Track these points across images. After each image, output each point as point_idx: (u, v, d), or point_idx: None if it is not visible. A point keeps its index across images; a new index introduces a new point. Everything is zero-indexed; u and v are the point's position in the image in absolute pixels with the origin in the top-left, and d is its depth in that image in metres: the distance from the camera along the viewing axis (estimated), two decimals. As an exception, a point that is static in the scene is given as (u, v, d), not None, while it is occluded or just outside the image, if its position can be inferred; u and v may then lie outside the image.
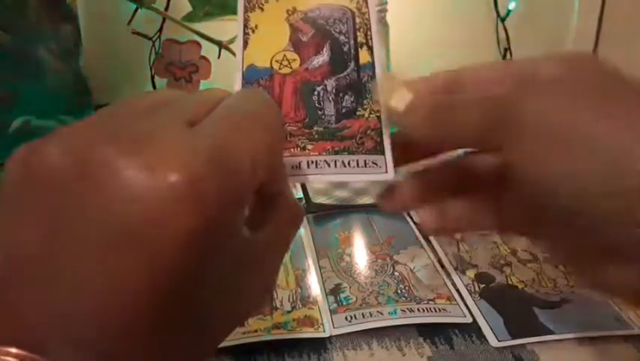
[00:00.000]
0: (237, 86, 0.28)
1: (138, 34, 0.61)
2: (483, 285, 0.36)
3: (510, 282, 0.36)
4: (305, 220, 0.45)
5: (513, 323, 0.33)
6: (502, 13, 0.77)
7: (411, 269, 0.38)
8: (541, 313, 0.33)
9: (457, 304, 0.34)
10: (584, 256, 0.22)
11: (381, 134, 0.26)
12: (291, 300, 0.35)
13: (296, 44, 0.28)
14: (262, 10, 0.29)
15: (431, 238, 0.42)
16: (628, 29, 0.75)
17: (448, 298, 0.35)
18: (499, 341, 0.31)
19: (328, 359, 0.31)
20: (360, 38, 0.29)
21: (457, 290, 0.36)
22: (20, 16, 0.47)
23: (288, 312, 0.34)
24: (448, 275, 0.37)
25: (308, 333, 0.32)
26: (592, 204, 0.20)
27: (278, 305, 0.34)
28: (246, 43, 0.29)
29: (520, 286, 0.36)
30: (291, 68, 0.28)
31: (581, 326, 0.32)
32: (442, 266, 0.38)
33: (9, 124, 0.43)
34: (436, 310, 0.34)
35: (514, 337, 0.32)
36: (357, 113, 0.27)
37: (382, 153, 0.26)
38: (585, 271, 0.23)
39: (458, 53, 0.81)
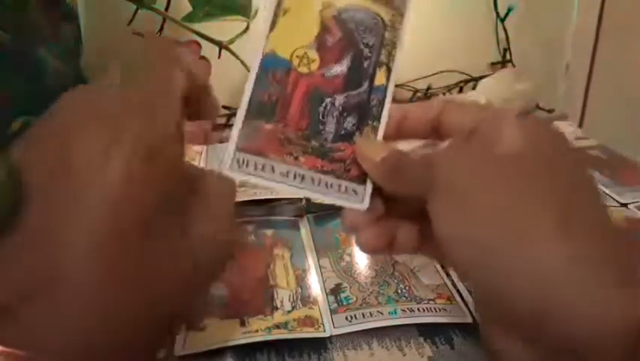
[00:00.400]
0: (254, 69, 0.28)
1: (138, 34, 0.61)
2: (483, 285, 0.36)
3: (510, 281, 0.36)
4: (305, 220, 0.45)
5: (513, 323, 0.33)
6: (502, 13, 0.77)
7: (411, 269, 0.38)
8: (541, 312, 0.33)
9: (457, 303, 0.34)
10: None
11: None
12: (291, 300, 0.35)
13: (321, 45, 0.28)
14: None
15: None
16: (627, 28, 0.75)
17: (448, 297, 0.35)
18: (498, 340, 0.31)
19: (328, 358, 0.31)
20: (383, 57, 0.29)
21: (457, 290, 0.36)
22: (20, 16, 0.47)
23: (289, 312, 0.34)
24: (448, 275, 0.37)
25: (308, 333, 0.32)
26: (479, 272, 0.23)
27: (278, 305, 0.34)
28: (273, 25, 0.28)
29: (519, 285, 0.36)
30: (309, 68, 0.28)
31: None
32: (442, 266, 0.39)
33: (9, 124, 0.43)
34: (436, 310, 0.34)
35: (513, 336, 0.32)
36: (354, 138, 0.28)
37: (364, 183, 0.28)
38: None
39: (458, 53, 0.81)
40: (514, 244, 0.21)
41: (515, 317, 0.21)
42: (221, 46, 0.57)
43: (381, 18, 0.29)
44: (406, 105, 0.30)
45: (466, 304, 0.34)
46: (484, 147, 0.24)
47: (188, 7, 0.55)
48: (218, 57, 0.58)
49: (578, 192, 0.22)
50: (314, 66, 0.28)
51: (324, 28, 0.28)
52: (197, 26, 0.56)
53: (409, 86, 0.78)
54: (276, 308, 0.34)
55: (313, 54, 0.28)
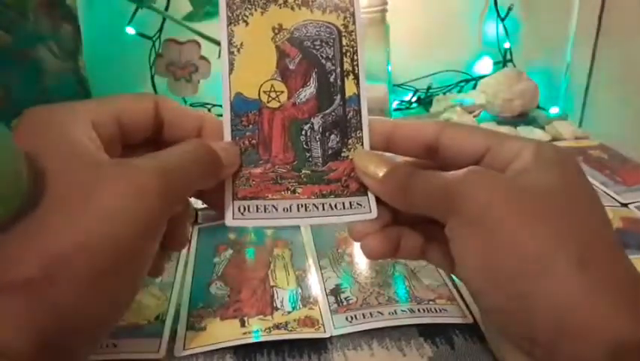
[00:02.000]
0: (226, 118, 0.28)
1: (138, 34, 0.61)
2: (483, 285, 0.36)
3: (510, 282, 0.36)
4: (305, 220, 0.45)
5: (513, 323, 0.33)
6: (502, 13, 0.77)
7: (411, 269, 0.38)
8: (541, 312, 0.33)
9: (458, 304, 0.34)
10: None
11: None
12: (291, 300, 0.35)
13: (283, 72, 0.28)
14: (247, 24, 0.28)
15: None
16: (627, 28, 0.75)
17: (448, 298, 0.35)
18: (499, 340, 0.31)
19: (329, 359, 0.31)
20: (347, 65, 0.29)
21: (458, 290, 0.36)
22: (20, 16, 0.47)
23: (289, 312, 0.34)
24: (448, 275, 0.37)
25: (308, 333, 0.32)
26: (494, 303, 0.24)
27: (278, 305, 0.34)
28: (232, 66, 0.28)
29: (520, 285, 0.36)
30: (279, 101, 0.28)
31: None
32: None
33: (8, 124, 0.43)
34: (436, 311, 0.34)
35: (514, 337, 0.32)
36: (342, 154, 0.29)
37: (365, 194, 0.28)
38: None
39: (458, 53, 0.81)
40: (539, 275, 0.22)
41: (531, 338, 0.23)
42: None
43: (334, 25, 0.29)
44: (398, 120, 0.30)
45: (466, 305, 0.34)
46: (512, 179, 0.25)
47: (188, 7, 0.55)
48: (218, 57, 0.57)
49: (598, 228, 0.23)
50: (283, 97, 0.28)
51: (282, 54, 0.28)
52: (197, 26, 0.56)
53: (409, 86, 0.78)
54: (276, 308, 0.34)
55: (279, 85, 0.28)
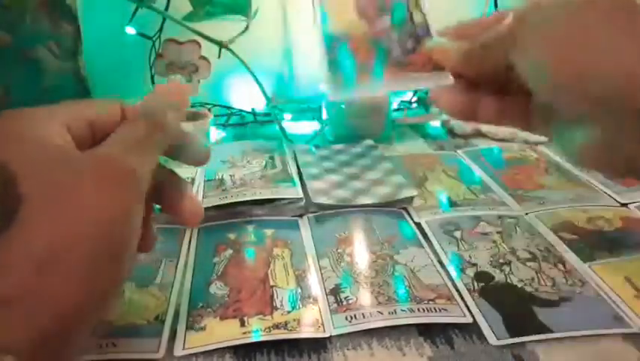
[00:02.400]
0: (321, 48, 0.36)
1: (138, 34, 0.61)
2: (482, 284, 0.36)
3: (509, 281, 0.36)
4: (305, 220, 0.45)
5: (512, 322, 0.33)
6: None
7: (411, 269, 0.38)
8: (541, 311, 0.33)
9: (457, 304, 0.34)
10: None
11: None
12: (291, 300, 0.35)
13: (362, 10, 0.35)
14: None
15: (431, 238, 0.42)
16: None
17: (448, 298, 0.35)
18: (498, 339, 0.31)
19: (328, 358, 0.31)
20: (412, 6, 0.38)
21: (457, 290, 0.36)
22: (20, 16, 0.47)
23: (288, 312, 0.34)
24: (448, 275, 0.37)
25: (308, 333, 0.32)
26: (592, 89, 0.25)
27: (278, 305, 0.34)
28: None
29: (519, 285, 0.36)
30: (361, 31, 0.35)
31: (579, 324, 0.32)
32: (442, 266, 0.39)
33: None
34: (436, 310, 0.34)
35: (513, 336, 0.32)
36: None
37: (442, 69, 0.33)
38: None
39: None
40: (607, 39, 0.25)
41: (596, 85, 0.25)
42: (221, 46, 0.57)
43: None
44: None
45: (466, 304, 0.34)
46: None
47: (188, 7, 0.55)
48: (218, 57, 0.58)
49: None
50: (364, 28, 0.36)
51: None
52: (197, 26, 0.56)
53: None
54: (276, 308, 0.34)
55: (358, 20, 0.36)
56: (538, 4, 0.28)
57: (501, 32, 0.28)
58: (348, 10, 0.36)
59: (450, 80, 0.33)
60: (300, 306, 0.34)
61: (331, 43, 0.36)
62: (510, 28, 0.28)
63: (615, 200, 0.48)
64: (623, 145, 0.26)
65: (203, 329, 0.32)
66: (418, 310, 0.34)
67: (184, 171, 0.51)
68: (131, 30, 0.60)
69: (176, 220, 0.31)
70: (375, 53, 0.35)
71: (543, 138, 0.63)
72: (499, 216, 0.45)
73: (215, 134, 0.67)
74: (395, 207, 0.47)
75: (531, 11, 0.28)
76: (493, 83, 0.31)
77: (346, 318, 0.33)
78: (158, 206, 0.32)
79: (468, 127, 0.66)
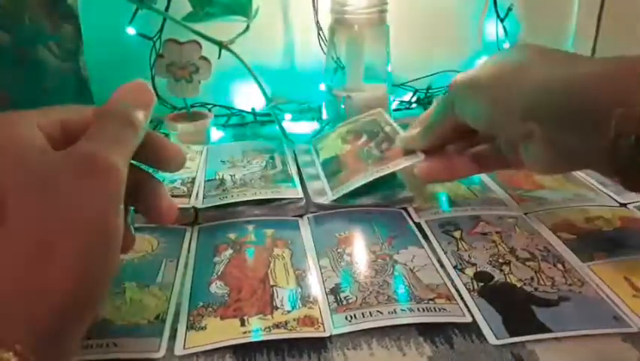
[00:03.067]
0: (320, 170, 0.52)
1: (139, 34, 0.62)
2: (482, 283, 0.36)
3: (509, 280, 0.37)
4: (305, 220, 0.45)
5: (511, 322, 0.33)
6: (502, 13, 0.77)
7: (410, 269, 0.38)
8: (540, 311, 0.34)
9: (457, 303, 0.35)
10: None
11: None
12: (291, 300, 0.35)
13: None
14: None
15: (430, 238, 0.42)
16: (627, 28, 0.75)
17: (447, 297, 0.35)
18: (497, 339, 0.31)
19: (328, 358, 0.31)
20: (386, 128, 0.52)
21: (457, 290, 0.36)
22: (20, 15, 0.47)
23: (289, 312, 0.34)
24: (448, 275, 0.38)
25: (308, 333, 0.32)
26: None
27: (278, 305, 0.34)
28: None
29: (518, 284, 0.36)
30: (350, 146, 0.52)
31: (579, 324, 0.32)
32: (442, 266, 0.39)
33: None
34: (435, 310, 0.34)
35: (512, 335, 0.32)
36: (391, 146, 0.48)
37: (413, 152, 0.44)
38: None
39: (458, 53, 0.81)
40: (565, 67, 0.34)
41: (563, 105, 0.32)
42: (221, 46, 0.57)
43: (376, 120, 0.55)
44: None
45: (465, 304, 0.34)
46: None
47: (188, 7, 0.56)
48: (218, 57, 0.58)
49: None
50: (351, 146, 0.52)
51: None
52: (197, 26, 0.56)
53: (409, 86, 0.78)
54: (276, 308, 0.34)
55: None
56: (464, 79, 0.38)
57: (440, 105, 0.40)
58: (334, 145, 0.53)
59: (421, 156, 0.43)
60: (300, 306, 0.34)
61: (326, 164, 0.50)
62: (449, 99, 0.39)
63: (614, 200, 0.48)
64: (567, 145, 0.33)
65: (203, 328, 0.33)
66: (418, 309, 0.34)
67: (184, 171, 0.51)
68: (131, 30, 0.61)
69: (151, 220, 0.32)
70: (362, 157, 0.48)
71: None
72: (499, 216, 0.45)
73: (215, 134, 0.68)
74: (395, 207, 0.47)
75: (460, 81, 0.38)
76: (458, 143, 0.42)
77: (346, 318, 0.33)
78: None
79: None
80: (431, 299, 0.35)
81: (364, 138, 0.51)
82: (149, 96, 0.32)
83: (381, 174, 0.45)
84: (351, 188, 0.46)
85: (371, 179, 0.46)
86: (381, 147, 0.49)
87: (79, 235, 0.23)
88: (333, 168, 0.50)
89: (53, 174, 0.24)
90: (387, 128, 0.51)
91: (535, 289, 0.36)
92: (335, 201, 0.46)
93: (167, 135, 0.63)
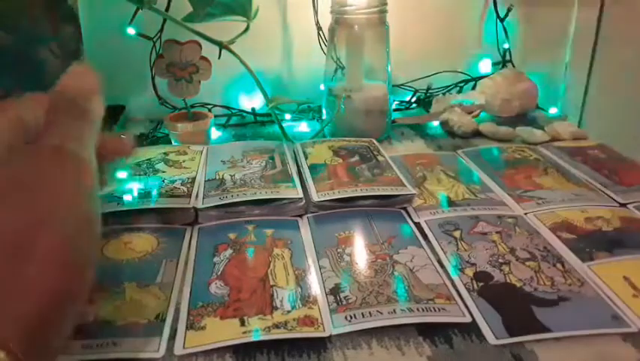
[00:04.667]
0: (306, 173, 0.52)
1: (139, 34, 0.62)
2: (481, 283, 0.36)
3: (508, 280, 0.37)
4: (305, 220, 0.45)
5: (511, 322, 0.33)
6: (502, 13, 0.77)
7: (410, 269, 0.38)
8: (540, 311, 0.34)
9: (457, 303, 0.35)
10: None
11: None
12: (291, 300, 0.35)
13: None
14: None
15: (430, 238, 0.42)
16: (627, 29, 0.75)
17: (447, 297, 0.35)
18: (497, 339, 0.32)
19: (328, 358, 0.31)
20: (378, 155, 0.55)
21: (456, 290, 0.36)
22: (21, 16, 0.47)
23: (288, 312, 0.34)
24: (447, 275, 0.38)
25: (308, 333, 0.32)
26: None
27: (278, 305, 0.34)
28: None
29: (518, 284, 0.36)
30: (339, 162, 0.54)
31: (578, 324, 0.32)
32: (442, 266, 0.39)
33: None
34: (435, 310, 0.34)
35: (512, 335, 0.32)
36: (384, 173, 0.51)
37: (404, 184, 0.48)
38: None
39: (458, 53, 0.81)
40: None
41: None
42: (221, 46, 0.57)
43: (367, 144, 0.59)
44: None
45: (465, 304, 0.35)
46: None
47: (188, 7, 0.55)
48: (219, 57, 0.58)
49: None
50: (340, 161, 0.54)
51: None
52: (197, 26, 0.56)
53: (409, 86, 0.78)
54: (276, 308, 0.34)
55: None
56: None
57: None
58: (325, 155, 0.55)
59: (414, 191, 0.47)
60: (300, 306, 0.34)
61: (314, 169, 0.52)
62: None
63: (614, 200, 0.48)
64: None
65: (203, 328, 0.33)
66: (418, 309, 0.34)
67: (184, 171, 0.51)
68: (131, 31, 0.61)
69: (111, 157, 0.33)
70: (353, 174, 0.50)
71: (542, 138, 0.63)
72: (499, 216, 0.45)
73: (215, 134, 0.68)
74: (394, 207, 0.47)
75: None
76: None
77: (346, 318, 0.33)
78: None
79: (468, 127, 0.66)
80: (431, 299, 0.35)
81: (356, 158, 0.54)
82: (93, 80, 0.32)
83: (371, 193, 0.47)
84: (339, 197, 0.46)
85: (360, 195, 0.47)
86: (373, 171, 0.51)
87: (56, 229, 0.23)
88: (321, 174, 0.51)
89: (29, 168, 0.24)
90: (381, 158, 0.54)
91: (535, 289, 0.36)
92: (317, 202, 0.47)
93: (167, 135, 0.63)
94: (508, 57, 0.80)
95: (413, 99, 0.78)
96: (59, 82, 0.30)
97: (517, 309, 0.34)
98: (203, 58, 0.59)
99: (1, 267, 0.21)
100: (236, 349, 0.31)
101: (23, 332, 0.21)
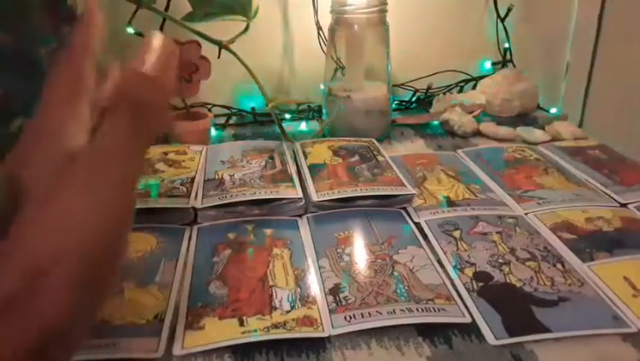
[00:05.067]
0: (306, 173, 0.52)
1: (138, 34, 0.61)
2: (481, 284, 0.36)
3: (508, 281, 0.37)
4: (305, 220, 0.45)
5: (511, 322, 0.33)
6: (502, 13, 0.77)
7: (410, 269, 0.38)
8: (539, 311, 0.33)
9: (456, 304, 0.34)
10: None
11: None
12: (290, 300, 0.35)
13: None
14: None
15: (430, 238, 0.42)
16: (627, 28, 0.75)
17: (447, 297, 0.35)
18: (497, 339, 0.31)
19: (327, 358, 0.31)
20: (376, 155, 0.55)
21: (456, 290, 0.36)
22: (21, 16, 0.47)
23: (287, 312, 0.34)
24: (447, 275, 0.37)
25: (307, 333, 0.32)
26: None
27: (277, 305, 0.34)
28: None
29: (518, 284, 0.36)
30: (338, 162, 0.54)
31: (578, 324, 0.32)
32: (441, 266, 0.39)
33: (9, 124, 0.43)
34: (435, 310, 0.34)
35: (512, 335, 0.32)
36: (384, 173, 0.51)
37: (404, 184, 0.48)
38: None
39: (458, 53, 0.81)
40: None
41: None
42: (221, 46, 0.57)
43: (367, 144, 0.60)
44: None
45: (464, 304, 0.34)
46: None
47: (188, 7, 0.55)
48: (218, 57, 0.58)
49: None
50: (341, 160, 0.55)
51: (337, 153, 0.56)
52: (197, 26, 0.56)
53: (409, 86, 0.78)
54: (275, 308, 0.34)
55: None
56: None
57: None
58: (325, 155, 0.55)
59: (414, 190, 0.47)
60: (299, 306, 0.34)
61: (314, 168, 0.52)
62: None
63: (615, 200, 0.48)
64: None
65: (202, 328, 0.33)
66: (417, 310, 0.34)
67: (183, 170, 0.51)
68: (131, 30, 0.61)
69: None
70: (353, 173, 0.51)
71: (542, 138, 0.63)
72: (499, 216, 0.45)
73: (215, 134, 0.67)
74: (394, 207, 0.47)
75: None
76: None
77: (345, 318, 0.33)
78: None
79: (468, 127, 0.66)
80: (430, 299, 0.35)
81: (356, 158, 0.54)
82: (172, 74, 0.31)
83: (371, 193, 0.47)
84: (338, 197, 0.46)
85: (360, 195, 0.46)
86: (373, 170, 0.51)
87: (79, 257, 0.22)
88: (320, 174, 0.50)
89: (60, 184, 0.23)
90: (381, 158, 0.54)
91: (535, 289, 0.36)
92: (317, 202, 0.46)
93: (167, 136, 0.63)
94: (508, 57, 0.80)
95: (413, 99, 0.77)
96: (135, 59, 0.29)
97: (517, 309, 0.34)
98: (203, 58, 0.59)
99: (11, 286, 0.21)
100: (235, 349, 0.31)
101: (22, 353, 0.20)
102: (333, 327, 0.33)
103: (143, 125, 0.26)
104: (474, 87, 0.78)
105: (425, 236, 0.43)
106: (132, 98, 0.27)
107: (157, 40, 0.30)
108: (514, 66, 0.79)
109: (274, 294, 0.35)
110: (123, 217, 0.25)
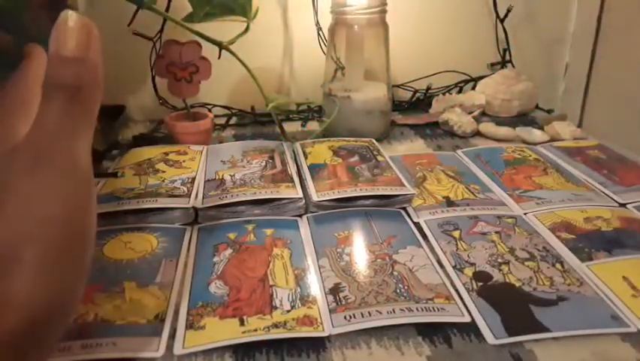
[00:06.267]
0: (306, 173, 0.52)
1: (139, 34, 0.62)
2: (481, 283, 0.36)
3: (507, 280, 0.37)
4: (305, 220, 0.45)
5: (510, 322, 0.33)
6: (502, 13, 0.77)
7: (410, 269, 0.38)
8: (539, 311, 0.34)
9: (456, 303, 0.35)
10: None
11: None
12: (290, 299, 0.35)
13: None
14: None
15: (430, 238, 0.42)
16: (627, 28, 0.75)
17: (446, 297, 0.35)
18: (496, 339, 0.32)
19: (327, 358, 0.31)
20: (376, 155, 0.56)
21: (456, 289, 0.36)
22: (21, 16, 0.47)
23: (288, 311, 0.34)
24: (447, 274, 0.38)
25: (307, 332, 0.32)
26: None
27: (277, 305, 0.34)
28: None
29: (517, 284, 0.36)
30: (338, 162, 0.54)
31: (577, 324, 0.32)
32: (441, 265, 0.39)
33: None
34: (434, 310, 0.34)
35: (511, 335, 0.32)
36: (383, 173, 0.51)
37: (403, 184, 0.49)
38: None
39: (458, 53, 0.81)
40: None
41: None
42: (221, 46, 0.57)
43: (367, 145, 0.60)
44: None
45: (464, 304, 0.35)
46: None
47: (188, 7, 0.55)
48: (218, 57, 0.58)
49: None
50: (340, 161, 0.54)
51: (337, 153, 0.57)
52: (197, 26, 0.56)
53: (409, 86, 0.78)
54: (275, 308, 0.34)
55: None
56: None
57: None
58: (325, 155, 0.55)
59: (414, 190, 0.47)
60: (299, 305, 0.34)
61: (314, 169, 0.52)
62: None
63: (614, 200, 0.48)
64: None
65: (202, 328, 0.33)
66: (417, 309, 0.34)
67: (184, 171, 0.51)
68: (131, 31, 0.61)
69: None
70: (353, 173, 0.51)
71: (542, 138, 0.63)
72: (498, 216, 0.45)
73: (215, 134, 0.68)
74: (394, 207, 0.47)
75: None
76: None
77: (345, 317, 0.33)
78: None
79: (467, 127, 0.66)
80: (430, 299, 0.35)
81: (356, 158, 0.54)
82: (94, 45, 0.29)
83: (371, 193, 0.47)
84: (338, 197, 0.46)
85: (360, 195, 0.47)
86: (373, 170, 0.51)
87: (46, 241, 0.22)
88: (321, 174, 0.51)
89: (6, 172, 0.22)
90: (380, 158, 0.54)
91: (534, 289, 0.36)
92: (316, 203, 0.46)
93: (167, 135, 0.63)
94: (508, 57, 0.80)
95: (413, 99, 0.78)
96: (52, 43, 0.27)
97: (516, 309, 0.34)
98: (203, 58, 0.60)
99: None
100: (236, 349, 0.31)
101: (7, 347, 0.20)
102: (333, 326, 0.33)
103: (77, 108, 0.25)
104: (473, 88, 0.78)
105: (425, 236, 0.43)
106: (57, 83, 0.26)
107: (71, 19, 0.27)
108: (514, 67, 0.80)
109: (274, 294, 0.35)
110: (80, 195, 0.24)
